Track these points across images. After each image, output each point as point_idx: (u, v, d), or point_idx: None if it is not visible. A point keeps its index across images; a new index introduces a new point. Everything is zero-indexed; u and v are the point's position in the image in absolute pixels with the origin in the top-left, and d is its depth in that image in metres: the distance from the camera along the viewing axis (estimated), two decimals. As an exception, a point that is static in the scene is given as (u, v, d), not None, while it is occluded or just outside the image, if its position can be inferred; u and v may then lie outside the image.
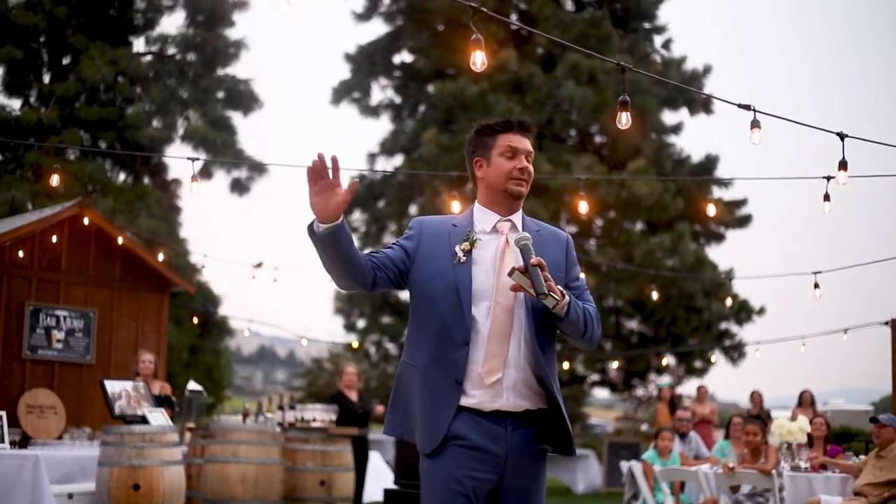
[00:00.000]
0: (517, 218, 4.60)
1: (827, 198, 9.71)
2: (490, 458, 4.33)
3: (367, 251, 4.47)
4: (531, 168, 4.59)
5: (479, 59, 6.29)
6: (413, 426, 4.47)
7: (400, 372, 4.57)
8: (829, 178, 9.30)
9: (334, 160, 4.24)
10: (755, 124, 7.46)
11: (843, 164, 8.34)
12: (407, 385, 4.50)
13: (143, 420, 10.93)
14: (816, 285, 14.36)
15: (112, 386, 11.28)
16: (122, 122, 24.46)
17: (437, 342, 4.36)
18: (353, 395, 14.82)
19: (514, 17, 29.88)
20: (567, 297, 4.31)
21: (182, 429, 13.82)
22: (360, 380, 15.17)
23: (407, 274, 4.50)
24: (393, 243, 4.59)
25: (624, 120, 6.90)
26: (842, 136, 8.14)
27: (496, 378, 4.31)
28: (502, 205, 4.57)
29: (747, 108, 7.46)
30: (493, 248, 4.48)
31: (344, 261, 4.27)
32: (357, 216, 31.40)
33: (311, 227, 4.26)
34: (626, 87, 6.95)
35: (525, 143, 4.57)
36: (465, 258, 4.42)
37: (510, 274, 4.23)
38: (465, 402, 4.33)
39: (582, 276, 4.75)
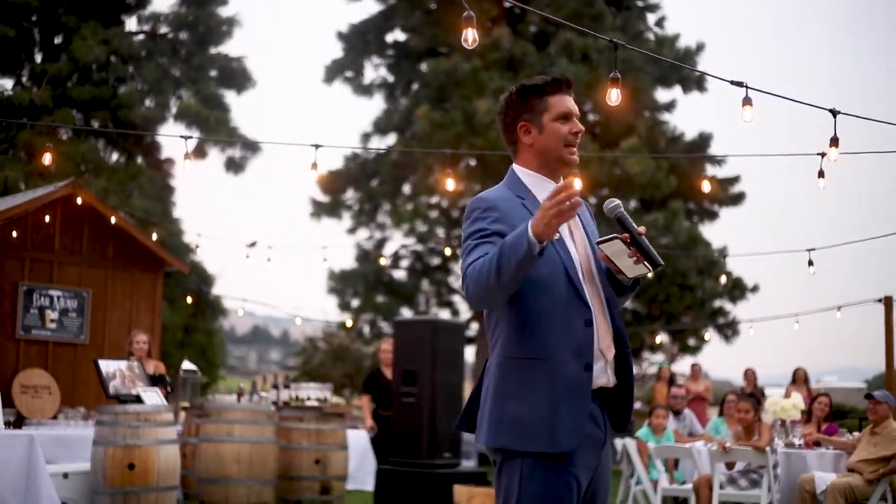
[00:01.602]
0: None
1: (821, 174, 9.71)
2: (598, 442, 4.13)
3: (474, 259, 4.01)
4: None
5: (470, 37, 6.28)
6: (533, 430, 3.98)
7: (505, 370, 4.08)
8: (822, 155, 9.31)
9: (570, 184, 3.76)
10: (747, 101, 7.45)
11: (834, 141, 8.34)
12: (519, 384, 4.04)
13: (138, 399, 10.94)
14: (811, 262, 14.39)
15: (106, 366, 11.28)
16: (114, 102, 24.46)
17: (561, 328, 4.01)
18: (390, 373, 13.65)
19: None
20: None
21: (176, 408, 13.83)
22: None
23: None
24: (490, 234, 4.05)
25: (614, 97, 6.90)
26: (834, 113, 8.15)
27: (613, 353, 4.13)
28: (554, 171, 4.27)
29: (740, 84, 7.46)
30: None
31: (520, 278, 3.89)
32: (350, 195, 31.36)
33: (531, 251, 3.74)
34: (618, 65, 6.95)
35: (574, 105, 4.28)
36: (558, 235, 4.03)
37: (606, 242, 4.02)
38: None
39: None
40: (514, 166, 4.32)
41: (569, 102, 4.23)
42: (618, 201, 4.09)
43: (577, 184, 4.09)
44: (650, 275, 4.16)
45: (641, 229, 4.03)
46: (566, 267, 4.06)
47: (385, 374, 14.02)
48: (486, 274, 3.86)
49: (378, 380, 14.09)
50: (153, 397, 11.06)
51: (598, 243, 4.05)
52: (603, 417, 4.13)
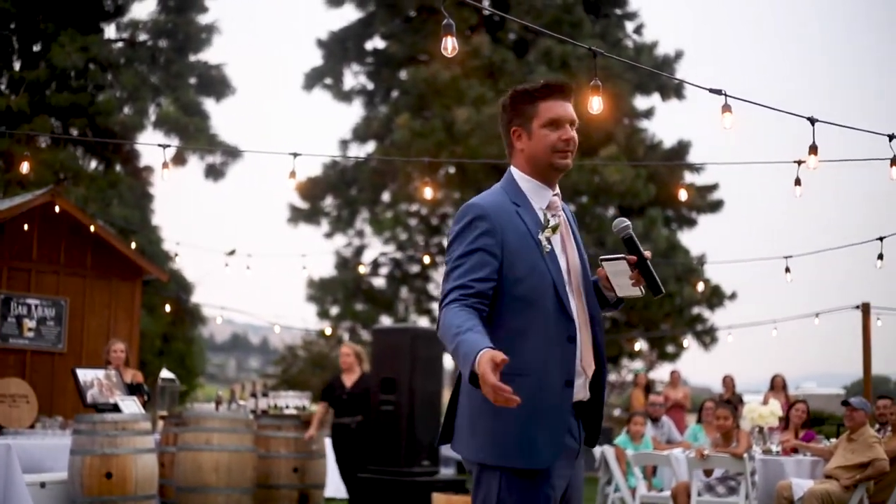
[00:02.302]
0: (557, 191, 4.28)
1: (798, 182, 9.78)
2: (573, 453, 4.11)
3: (461, 293, 3.93)
4: (576, 137, 4.21)
5: (450, 45, 6.29)
6: (512, 445, 3.96)
7: (470, 392, 4.05)
8: (799, 163, 9.35)
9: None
10: (726, 108, 7.49)
11: (813, 149, 8.38)
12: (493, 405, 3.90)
13: (116, 408, 10.90)
14: (788, 270, 14.46)
15: (84, 374, 11.24)
16: (93, 109, 24.37)
17: (545, 343, 3.98)
18: (348, 380, 12.96)
19: (486, 2, 29.88)
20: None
21: (154, 417, 13.79)
22: (360, 360, 13.14)
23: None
24: (477, 250, 3.99)
25: (595, 105, 6.92)
26: (812, 121, 8.19)
27: (594, 369, 4.13)
28: (547, 178, 4.20)
29: (718, 92, 7.49)
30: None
31: None
32: (329, 202, 31.37)
33: (469, 379, 3.70)
34: (597, 73, 6.97)
35: (568, 110, 4.18)
36: (549, 247, 4.05)
37: (611, 260, 4.04)
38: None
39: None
40: (512, 168, 4.27)
41: (560, 108, 4.16)
42: (627, 222, 4.11)
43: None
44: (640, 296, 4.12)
45: (647, 254, 4.04)
46: (555, 281, 4.02)
47: (343, 381, 13.06)
48: (447, 342, 3.85)
49: (335, 387, 13.14)
50: (131, 406, 11.03)
51: (602, 260, 4.05)
52: (579, 429, 4.12)
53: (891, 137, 8.78)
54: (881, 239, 12.57)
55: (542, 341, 3.98)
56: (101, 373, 11.45)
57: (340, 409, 12.87)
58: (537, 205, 4.15)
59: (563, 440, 4.00)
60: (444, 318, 3.90)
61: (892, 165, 8.98)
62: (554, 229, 4.10)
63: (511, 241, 4.01)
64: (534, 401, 3.91)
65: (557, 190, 4.24)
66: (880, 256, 12.59)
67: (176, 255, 22.34)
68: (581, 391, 4.09)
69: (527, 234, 4.04)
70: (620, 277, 4.03)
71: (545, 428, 3.96)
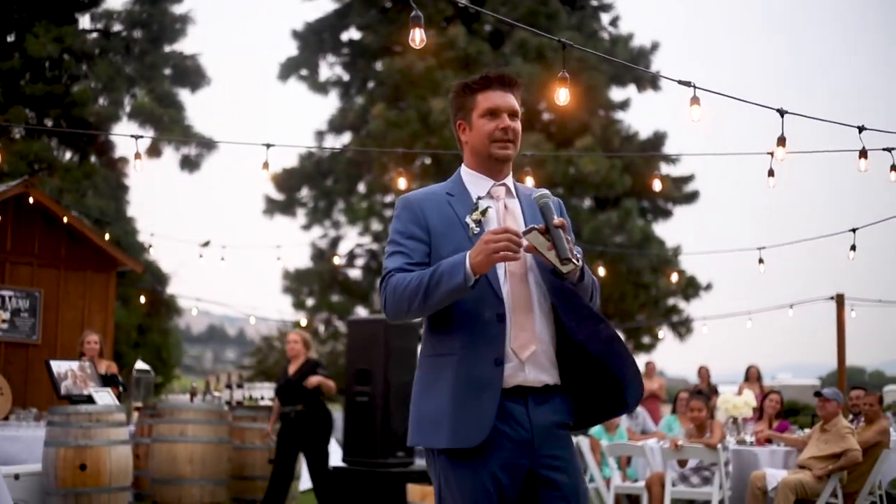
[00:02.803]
0: (510, 181, 4.24)
1: (771, 173, 9.83)
2: (521, 442, 3.95)
3: (393, 268, 4.07)
4: (517, 126, 4.16)
5: (417, 37, 6.29)
6: (437, 425, 3.97)
7: (423, 368, 4.12)
8: (771, 154, 9.40)
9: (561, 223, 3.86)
10: (695, 100, 7.53)
11: (781, 140, 8.44)
12: (430, 381, 4.06)
13: (90, 400, 10.87)
14: (761, 260, 14.52)
15: (58, 366, 11.22)
16: (67, 100, 24.27)
17: (470, 324, 3.95)
18: (292, 367, 12.09)
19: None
20: (581, 262, 3.97)
21: (129, 408, 13.76)
22: (307, 347, 12.27)
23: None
24: (404, 238, 4.11)
25: (563, 96, 6.95)
26: (781, 112, 8.24)
27: (531, 351, 3.97)
28: (492, 170, 4.18)
29: (688, 84, 7.53)
30: (494, 214, 4.12)
31: (447, 304, 3.93)
32: (305, 193, 31.35)
33: (465, 283, 3.80)
34: (566, 65, 7.02)
35: (508, 100, 4.15)
36: (478, 229, 4.02)
37: (526, 234, 3.86)
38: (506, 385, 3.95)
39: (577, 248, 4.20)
40: (461, 166, 4.29)
41: (497, 98, 4.14)
42: (546, 191, 4.06)
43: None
44: (575, 274, 3.93)
45: (557, 221, 3.88)
46: None
47: (287, 370, 12.18)
48: (409, 295, 3.92)
49: (280, 377, 12.37)
50: (105, 397, 11.01)
51: (525, 233, 3.89)
52: (528, 418, 3.97)
53: (860, 129, 8.83)
54: (854, 230, 12.63)
55: (470, 320, 3.95)
56: (75, 364, 11.42)
57: (282, 397, 11.97)
58: (475, 191, 4.16)
59: (489, 422, 3.88)
60: (393, 283, 4.00)
61: (860, 157, 9.05)
62: (483, 212, 4.05)
63: (436, 225, 4.07)
64: (457, 381, 3.93)
65: (507, 181, 4.21)
66: (853, 247, 12.66)
67: (150, 246, 22.30)
68: (518, 374, 3.96)
69: (454, 218, 4.07)
70: (546, 250, 3.89)
71: (468, 407, 3.91)
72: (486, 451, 3.92)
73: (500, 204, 4.15)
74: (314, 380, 11.55)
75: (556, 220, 3.88)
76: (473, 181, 4.20)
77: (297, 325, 29.16)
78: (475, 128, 4.17)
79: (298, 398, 11.72)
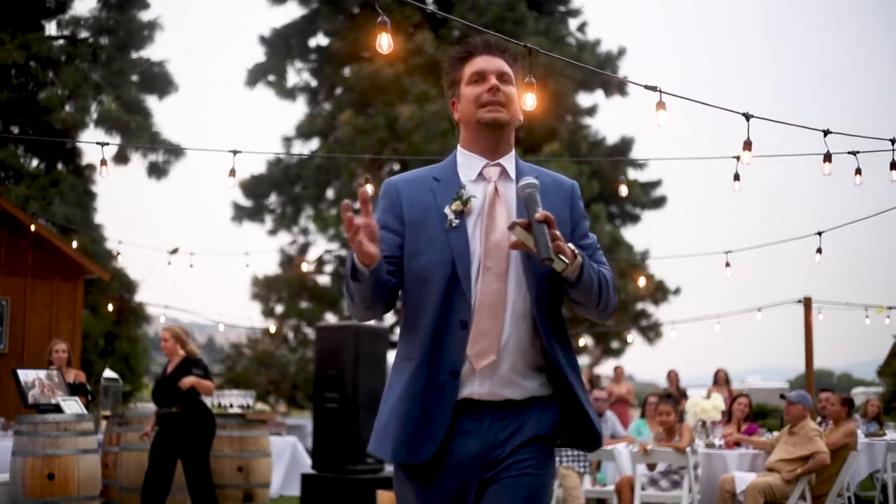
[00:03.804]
0: (508, 161, 3.82)
1: (737, 177, 9.92)
2: (477, 458, 3.62)
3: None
4: (509, 89, 3.80)
5: (385, 42, 6.30)
6: (386, 437, 3.68)
7: (392, 372, 3.80)
8: (738, 158, 9.47)
9: (363, 194, 3.35)
10: (661, 105, 7.58)
11: (747, 144, 8.50)
12: (389, 387, 3.75)
13: (57, 409, 10.83)
14: (728, 264, 14.61)
15: (25, 375, 11.16)
16: (34, 107, 24.15)
17: (432, 328, 3.61)
18: (170, 366, 11.11)
19: (429, 0, 29.92)
20: (579, 258, 3.56)
21: (98, 417, 13.71)
22: (182, 342, 11.13)
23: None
24: (378, 228, 3.52)
25: (529, 102, 6.99)
26: (747, 117, 8.30)
27: (488, 361, 3.58)
28: (486, 144, 3.78)
29: (653, 89, 7.57)
30: (481, 199, 3.72)
31: (376, 290, 3.55)
32: (273, 199, 31.30)
33: (354, 275, 3.50)
34: (540, 70, 7.03)
35: (493, 62, 3.82)
36: (458, 221, 3.65)
37: (510, 228, 3.53)
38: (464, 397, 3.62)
39: (592, 233, 3.96)
40: (458, 146, 3.92)
41: (482, 62, 3.82)
42: (533, 180, 3.60)
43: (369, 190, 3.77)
44: (571, 272, 3.55)
45: (540, 215, 3.47)
46: (454, 258, 3.62)
47: (165, 369, 11.22)
48: (345, 290, 3.65)
49: (160, 375, 11.42)
50: (73, 406, 10.96)
51: (509, 228, 3.57)
52: (488, 431, 3.64)
53: (825, 133, 8.90)
54: (820, 233, 12.72)
55: (433, 323, 3.62)
56: (42, 373, 11.36)
57: (157, 399, 11.03)
58: (464, 175, 3.78)
59: (439, 438, 3.58)
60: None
61: (825, 161, 9.12)
62: (466, 202, 3.68)
63: (411, 213, 3.72)
64: (414, 390, 3.62)
65: (504, 160, 3.82)
66: (819, 251, 12.75)
67: (118, 253, 22.22)
68: (470, 385, 3.62)
69: (432, 206, 3.70)
70: (533, 247, 3.50)
71: (419, 421, 3.61)
72: (434, 468, 3.64)
73: (491, 187, 3.74)
74: (188, 381, 10.64)
75: (540, 213, 3.46)
76: (466, 162, 3.82)
77: (265, 332, 29.12)
78: (463, 98, 3.84)
79: (174, 399, 10.81)
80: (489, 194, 3.71)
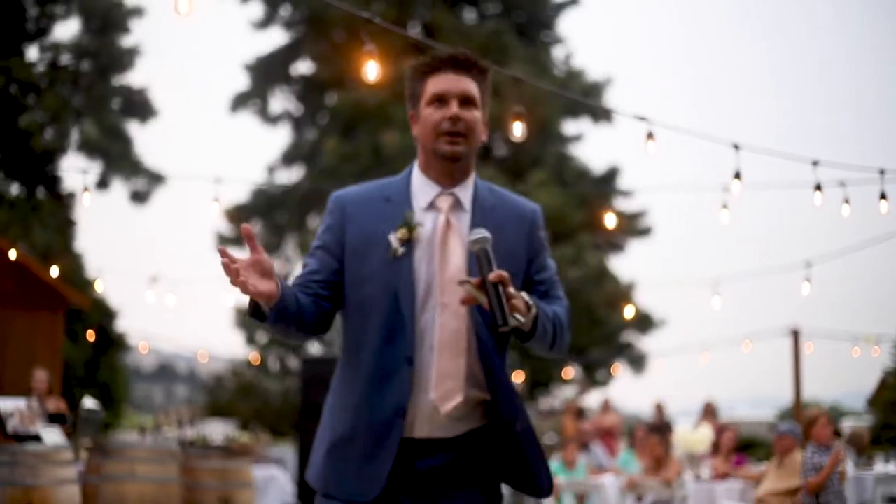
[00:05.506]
0: (464, 191, 3.58)
1: (725, 207, 9.87)
2: (428, 499, 3.53)
3: (301, 289, 3.50)
4: (470, 116, 3.52)
5: (372, 71, 6.24)
6: (325, 473, 3.55)
7: (324, 411, 3.67)
8: (727, 188, 9.43)
9: (245, 230, 3.29)
10: (650, 136, 7.54)
11: (737, 175, 8.46)
12: (330, 424, 3.60)
13: (37, 439, 10.66)
14: (716, 294, 14.56)
15: (4, 404, 11.00)
16: (14, 132, 24.05)
17: (378, 362, 3.45)
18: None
19: (415, 27, 29.91)
20: (533, 310, 3.37)
21: (78, 447, 13.54)
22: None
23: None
24: (317, 247, 3.56)
25: (518, 131, 6.93)
26: (736, 147, 8.24)
27: (455, 403, 3.44)
28: (441, 171, 3.55)
29: (643, 119, 7.51)
30: (430, 230, 3.51)
31: (293, 322, 3.42)
32: (256, 228, 31.21)
33: (258, 316, 3.38)
34: (525, 98, 6.94)
35: (461, 84, 3.54)
36: (403, 249, 3.44)
37: (460, 284, 3.33)
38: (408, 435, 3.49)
39: (551, 262, 3.79)
40: (414, 163, 3.70)
41: (445, 82, 3.56)
42: (484, 233, 3.33)
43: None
44: (525, 327, 3.37)
45: (494, 276, 3.25)
46: (397, 291, 3.44)
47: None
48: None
49: None
50: (53, 436, 10.80)
51: (459, 283, 3.38)
52: (440, 475, 3.53)
53: (815, 163, 8.84)
54: (808, 263, 12.68)
55: (376, 359, 3.45)
56: (22, 402, 11.21)
57: None
58: (419, 203, 3.55)
59: (381, 479, 3.45)
60: None
61: (815, 191, 9.06)
62: (412, 229, 3.46)
63: (354, 238, 3.52)
64: (355, 427, 3.49)
65: (459, 189, 3.59)
66: (808, 280, 12.71)
67: (99, 281, 22.09)
68: (421, 425, 3.50)
69: (378, 232, 3.49)
70: (484, 303, 3.30)
71: (358, 460, 3.48)
72: None
73: (442, 219, 3.52)
74: None
75: (493, 274, 3.24)
76: (420, 187, 3.59)
77: (248, 362, 28.97)
78: (421, 119, 3.59)
79: None
80: (440, 226, 3.51)
